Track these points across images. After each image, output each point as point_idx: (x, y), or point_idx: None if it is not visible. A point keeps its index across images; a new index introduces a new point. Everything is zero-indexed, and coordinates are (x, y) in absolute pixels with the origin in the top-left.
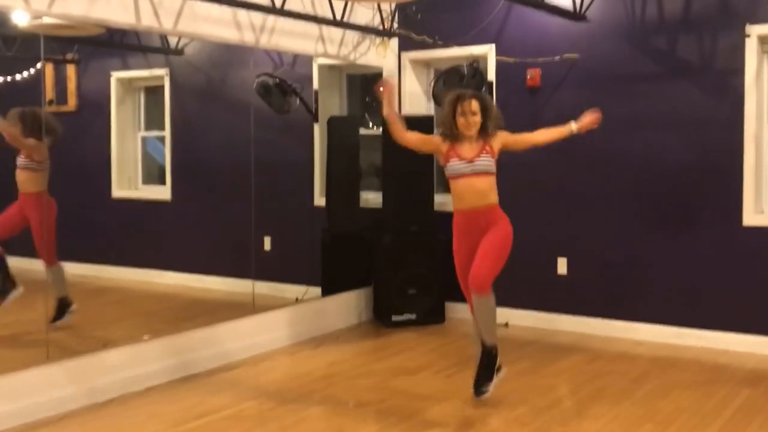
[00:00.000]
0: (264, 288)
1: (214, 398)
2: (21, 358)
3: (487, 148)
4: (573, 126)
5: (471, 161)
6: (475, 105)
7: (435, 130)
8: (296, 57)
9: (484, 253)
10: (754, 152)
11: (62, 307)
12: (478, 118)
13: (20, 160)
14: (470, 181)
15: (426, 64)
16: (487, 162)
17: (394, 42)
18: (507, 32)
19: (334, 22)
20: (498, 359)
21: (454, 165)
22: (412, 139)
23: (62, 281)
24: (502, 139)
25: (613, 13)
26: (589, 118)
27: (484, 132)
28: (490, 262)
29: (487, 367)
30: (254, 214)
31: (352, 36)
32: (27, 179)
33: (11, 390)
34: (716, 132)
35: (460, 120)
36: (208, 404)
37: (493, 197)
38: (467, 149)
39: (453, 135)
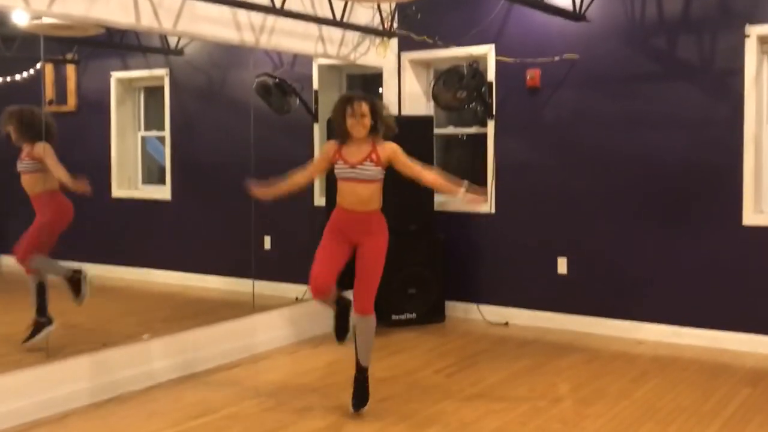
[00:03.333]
0: (264, 287)
1: (214, 397)
2: (21, 357)
3: (374, 155)
4: (462, 190)
5: (353, 166)
6: (365, 107)
7: (434, 131)
8: (296, 57)
9: (365, 279)
10: (753, 152)
11: (39, 325)
12: (367, 121)
13: (21, 163)
14: (353, 186)
15: (426, 64)
16: (371, 170)
17: (394, 42)
18: (507, 32)
19: (334, 22)
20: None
21: (337, 168)
22: (309, 171)
23: (51, 265)
24: (392, 152)
25: (612, 14)
26: (476, 197)
27: (374, 135)
28: (371, 286)
29: (363, 389)
30: (254, 214)
31: (352, 36)
32: (36, 180)
33: (11, 389)
34: (716, 132)
35: (350, 121)
36: (208, 403)
37: (375, 204)
38: (353, 153)
39: (342, 137)
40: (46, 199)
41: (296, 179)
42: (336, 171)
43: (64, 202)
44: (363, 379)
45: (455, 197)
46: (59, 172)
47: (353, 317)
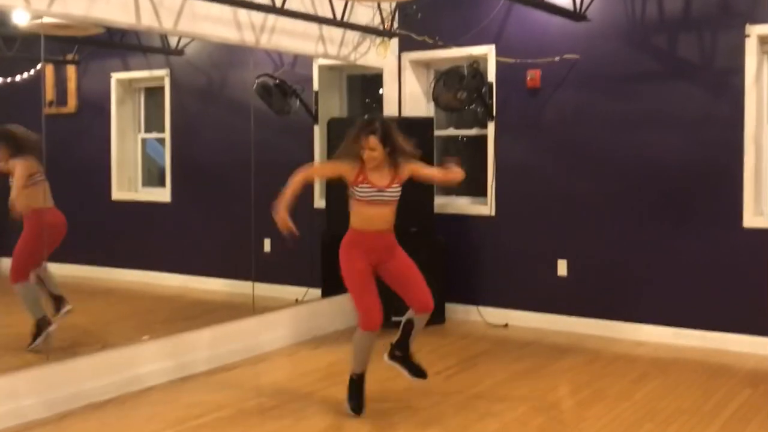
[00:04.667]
0: (264, 290)
1: (213, 398)
2: (21, 358)
3: (398, 179)
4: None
5: (381, 190)
6: (373, 141)
7: (434, 132)
8: (296, 58)
9: (414, 277)
10: (754, 153)
11: (39, 330)
12: (377, 154)
13: (11, 180)
14: (379, 208)
15: (426, 64)
16: (397, 193)
17: (395, 42)
18: (507, 32)
19: (335, 22)
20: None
21: (364, 190)
22: (316, 169)
23: (32, 302)
24: (411, 168)
25: (613, 13)
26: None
27: (394, 160)
28: (422, 281)
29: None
30: (254, 216)
31: (352, 36)
32: (23, 196)
33: (11, 390)
34: (716, 132)
35: (364, 153)
36: (208, 404)
37: (393, 223)
38: (378, 176)
39: (360, 161)
40: (28, 216)
41: (298, 179)
42: (360, 193)
43: (55, 218)
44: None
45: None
46: (12, 193)
47: (416, 318)
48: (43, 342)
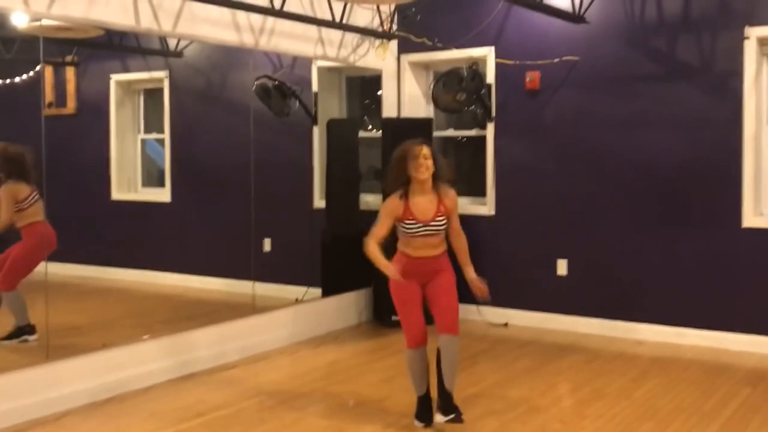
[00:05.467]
0: (264, 289)
1: (213, 397)
2: (21, 357)
3: (442, 208)
4: (470, 273)
5: (427, 224)
6: (426, 150)
7: (433, 133)
8: (295, 59)
9: (447, 298)
10: (753, 154)
11: (19, 332)
12: (430, 163)
13: None
14: (425, 240)
15: (425, 66)
16: (443, 224)
17: (394, 44)
18: (506, 34)
19: (334, 24)
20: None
21: (409, 227)
22: (379, 231)
23: (19, 309)
24: (454, 206)
25: (612, 15)
26: (480, 287)
27: (436, 182)
28: (454, 305)
29: (452, 407)
30: (254, 216)
31: (351, 38)
32: (15, 218)
33: (11, 389)
34: (716, 133)
35: (413, 164)
36: (208, 403)
37: (444, 247)
38: (422, 207)
39: (405, 187)
40: (25, 232)
41: (375, 248)
42: (407, 229)
43: (45, 233)
44: (450, 402)
45: (466, 273)
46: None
47: (439, 339)
48: (17, 343)
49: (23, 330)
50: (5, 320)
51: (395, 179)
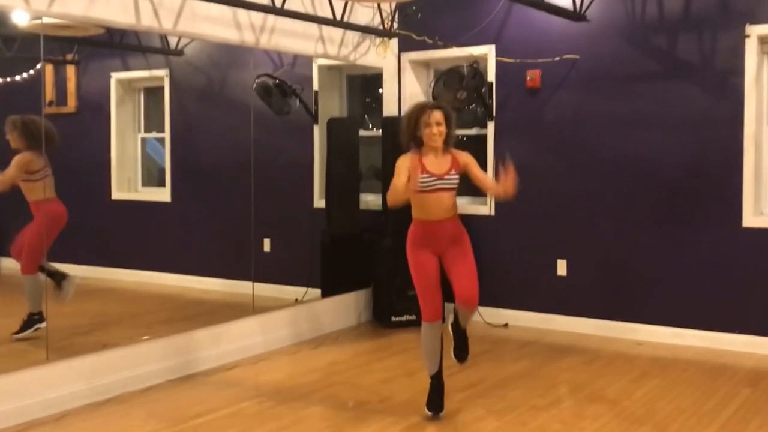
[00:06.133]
0: (264, 289)
1: (213, 397)
2: (21, 357)
3: (455, 165)
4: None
5: (441, 177)
6: (439, 115)
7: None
8: (296, 58)
9: (467, 271)
10: (753, 153)
11: (31, 321)
12: (443, 128)
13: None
14: (439, 196)
15: (426, 64)
16: (456, 179)
17: (394, 42)
18: (507, 33)
19: (334, 23)
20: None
21: (424, 180)
22: (401, 182)
23: (35, 295)
24: (469, 160)
25: (613, 13)
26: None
27: (447, 144)
28: (474, 277)
29: (465, 342)
30: (254, 216)
31: (352, 36)
32: (26, 189)
33: (11, 389)
34: (716, 132)
35: (426, 131)
36: (208, 403)
37: (456, 209)
38: (435, 163)
39: (416, 146)
40: (35, 207)
41: (404, 187)
42: (422, 182)
43: (56, 209)
44: (465, 336)
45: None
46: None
47: (458, 308)
48: (32, 333)
49: (34, 318)
50: (6, 321)
51: (408, 140)
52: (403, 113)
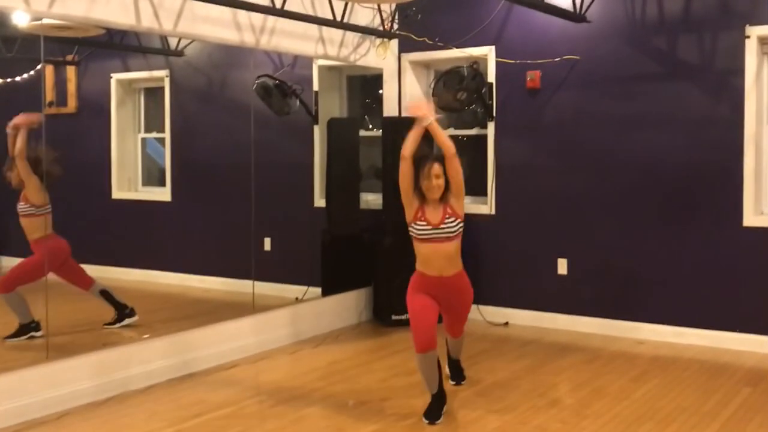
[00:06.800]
0: (264, 288)
1: (213, 396)
2: (21, 357)
3: (448, 209)
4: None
5: (437, 226)
6: (438, 169)
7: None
8: (296, 58)
9: (459, 319)
10: (754, 153)
11: (24, 330)
12: (442, 182)
13: (19, 205)
14: (436, 246)
15: (426, 65)
16: (452, 224)
17: (394, 43)
18: (507, 34)
19: (334, 23)
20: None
21: (419, 227)
22: (407, 165)
23: (19, 308)
24: (457, 189)
25: (613, 14)
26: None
27: (446, 196)
28: (464, 321)
29: (459, 369)
30: (254, 216)
31: (352, 37)
32: (28, 226)
33: (11, 389)
34: (716, 133)
35: (425, 183)
36: (208, 402)
37: (459, 262)
38: (432, 213)
39: (419, 196)
40: (37, 245)
41: (409, 153)
42: (416, 231)
43: (57, 245)
44: (458, 365)
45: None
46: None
47: (449, 340)
48: (24, 340)
49: (27, 327)
50: (6, 320)
51: (407, 192)
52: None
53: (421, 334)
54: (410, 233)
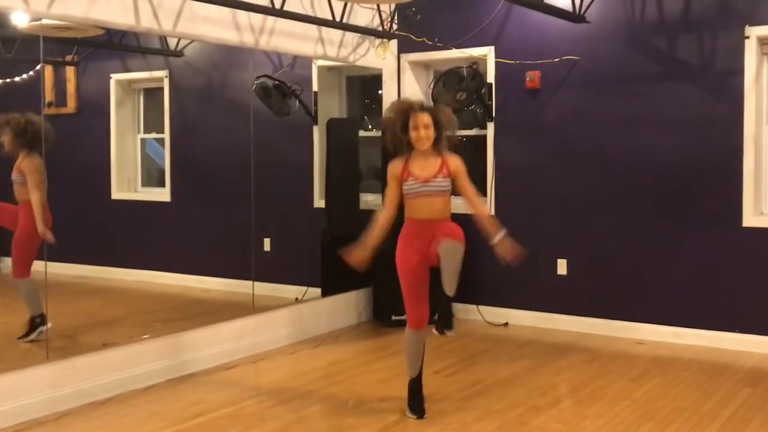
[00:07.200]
0: (264, 289)
1: (213, 397)
2: (21, 357)
3: (444, 169)
4: (499, 235)
5: (426, 182)
6: (426, 118)
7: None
8: (296, 59)
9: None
10: (753, 153)
11: (34, 325)
12: (431, 132)
13: (14, 174)
14: (427, 200)
15: (425, 65)
16: (444, 183)
17: (394, 44)
18: (506, 34)
19: (334, 24)
20: None
21: (408, 186)
22: (390, 204)
23: (32, 298)
24: (458, 168)
25: (612, 14)
26: (509, 249)
27: (438, 146)
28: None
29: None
30: (254, 216)
31: (351, 37)
32: (19, 191)
33: (11, 389)
34: (716, 133)
35: (413, 134)
36: (208, 403)
37: (448, 213)
38: (422, 167)
39: (405, 151)
40: (22, 210)
41: (382, 222)
42: (406, 189)
43: (47, 216)
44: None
45: (491, 239)
46: (35, 196)
47: (440, 245)
48: (36, 337)
49: (36, 322)
50: (6, 320)
51: (395, 144)
52: (384, 113)
53: (416, 309)
54: (402, 191)
